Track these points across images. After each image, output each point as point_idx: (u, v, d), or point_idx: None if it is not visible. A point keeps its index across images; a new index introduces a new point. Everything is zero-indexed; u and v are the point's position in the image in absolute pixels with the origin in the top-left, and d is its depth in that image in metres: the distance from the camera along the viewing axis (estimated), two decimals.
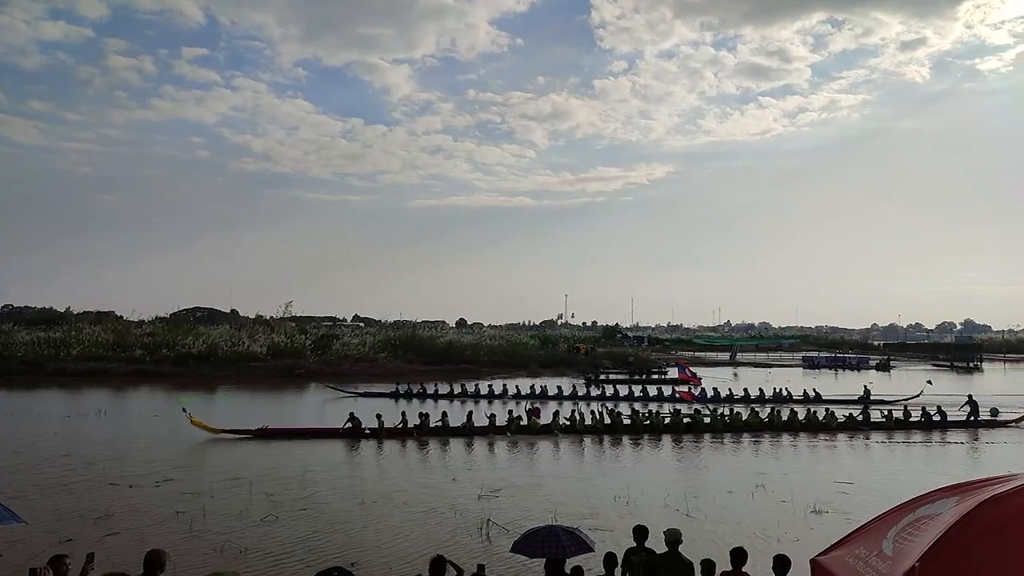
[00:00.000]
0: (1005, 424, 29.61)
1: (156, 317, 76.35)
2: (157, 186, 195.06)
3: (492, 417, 27.07)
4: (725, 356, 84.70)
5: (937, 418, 29.32)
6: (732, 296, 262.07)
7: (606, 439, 25.48)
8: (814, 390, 38.07)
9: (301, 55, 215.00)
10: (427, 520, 14.49)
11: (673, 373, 51.89)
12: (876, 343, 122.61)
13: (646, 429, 26.88)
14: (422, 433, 25.55)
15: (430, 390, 39.94)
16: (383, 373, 52.71)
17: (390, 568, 11.42)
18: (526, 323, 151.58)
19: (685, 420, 27.90)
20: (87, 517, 14.24)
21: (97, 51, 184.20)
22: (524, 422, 26.88)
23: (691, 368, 49.82)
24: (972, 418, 29.83)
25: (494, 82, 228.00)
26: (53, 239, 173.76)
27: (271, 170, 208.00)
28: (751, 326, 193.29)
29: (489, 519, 13.99)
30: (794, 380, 45.27)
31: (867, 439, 26.46)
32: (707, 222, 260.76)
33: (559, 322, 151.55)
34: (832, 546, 5.34)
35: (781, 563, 7.49)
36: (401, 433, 25.41)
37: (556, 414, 27.65)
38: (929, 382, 40.64)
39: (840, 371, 67.77)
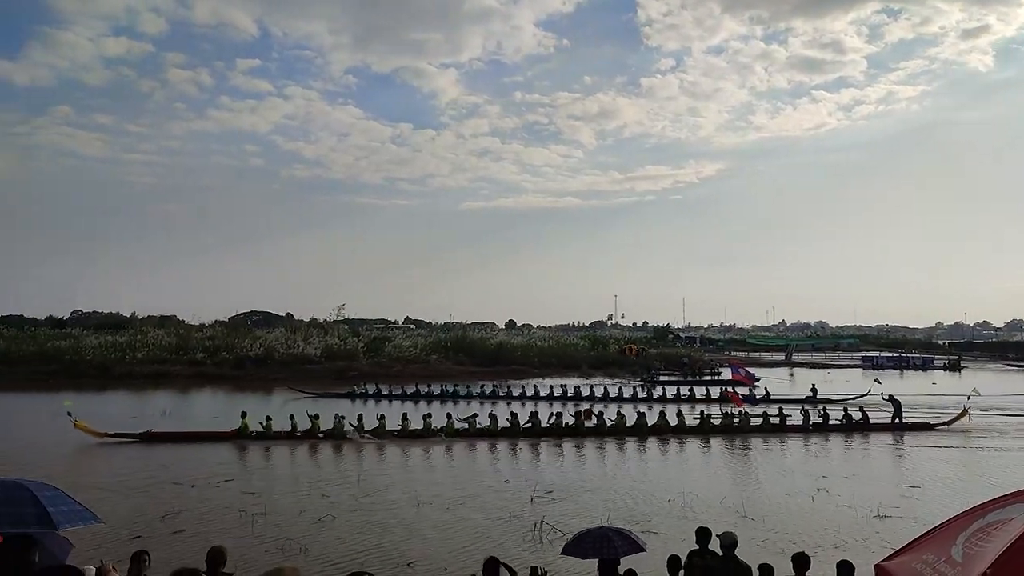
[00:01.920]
0: (933, 427, 28.10)
1: (215, 321, 78.76)
2: (214, 194, 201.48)
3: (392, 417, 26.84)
4: (780, 356, 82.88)
5: (860, 420, 28.08)
6: (787, 295, 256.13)
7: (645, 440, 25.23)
8: (765, 389, 37.85)
9: (351, 62, 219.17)
10: (481, 521, 14.58)
11: (727, 374, 51.03)
12: (941, 342, 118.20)
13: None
14: (309, 437, 25.00)
15: (384, 391, 40.77)
16: (434, 375, 53.21)
17: (445, 569, 11.53)
18: (576, 324, 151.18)
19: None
20: (154, 515, 14.77)
21: (157, 65, 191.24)
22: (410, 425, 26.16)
23: (745, 368, 48.91)
24: (896, 420, 28.51)
25: (541, 83, 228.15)
26: (119, 247, 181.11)
27: (323, 176, 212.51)
28: (807, 325, 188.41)
29: (543, 521, 14.00)
30: (854, 381, 44.02)
31: (782, 443, 25.28)
32: (760, 220, 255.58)
33: (609, 323, 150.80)
34: (898, 551, 5.20)
35: (845, 570, 7.29)
36: (288, 437, 25.05)
37: (448, 416, 26.92)
38: (877, 380, 39.18)
39: (904, 371, 65.56)
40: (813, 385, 39.00)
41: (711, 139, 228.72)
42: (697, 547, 8.16)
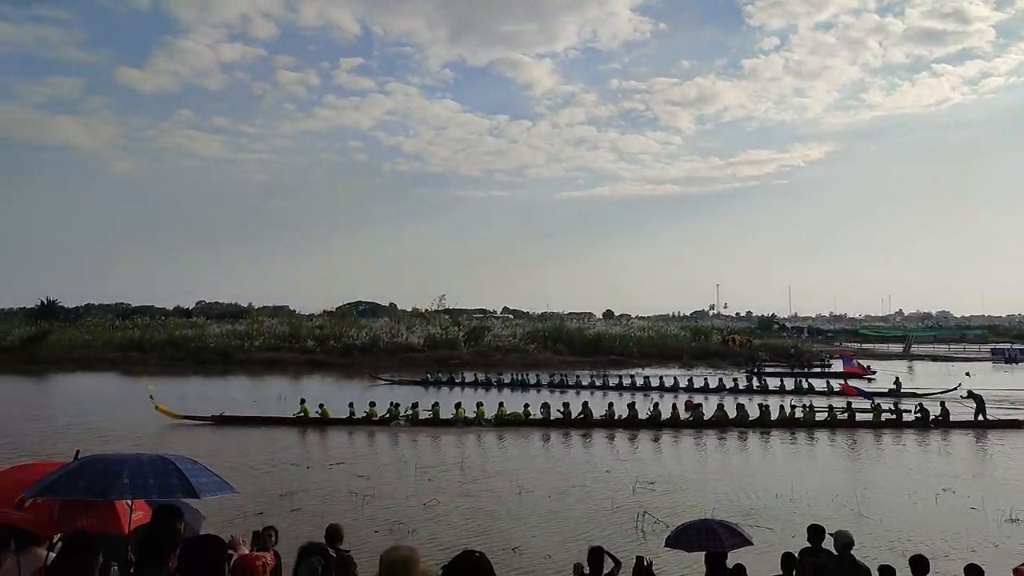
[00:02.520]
0: (1021, 425, 25.61)
1: (324, 311, 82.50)
2: (321, 190, 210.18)
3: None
4: (897, 348, 78.16)
5: (939, 416, 25.87)
6: (904, 283, 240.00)
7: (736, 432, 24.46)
8: (843, 380, 36.29)
9: (448, 57, 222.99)
10: (583, 511, 14.64)
11: (838, 366, 48.65)
12: None
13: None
14: (365, 423, 25.74)
15: (457, 379, 42.38)
16: (533, 364, 53.58)
17: (548, 556, 11.66)
18: (675, 314, 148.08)
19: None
20: (274, 494, 15.68)
21: (268, 68, 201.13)
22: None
23: (858, 360, 46.55)
24: (979, 417, 26.07)
25: (637, 69, 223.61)
26: (236, 241, 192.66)
27: (422, 170, 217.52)
28: (927, 315, 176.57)
29: (645, 512, 13.90)
30: (982, 374, 40.93)
31: (851, 439, 23.79)
32: (874, 203, 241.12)
33: (711, 312, 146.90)
34: None
35: (973, 574, 6.86)
36: (345, 422, 25.76)
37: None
38: (968, 374, 35.60)
39: None
40: (896, 378, 36.79)
41: (819, 120, 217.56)
42: (809, 545, 7.88)
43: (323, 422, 26.00)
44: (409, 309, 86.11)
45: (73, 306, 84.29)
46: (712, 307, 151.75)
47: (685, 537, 7.84)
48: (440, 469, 18.75)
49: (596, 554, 7.63)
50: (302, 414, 26.30)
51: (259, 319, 72.08)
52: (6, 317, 74.66)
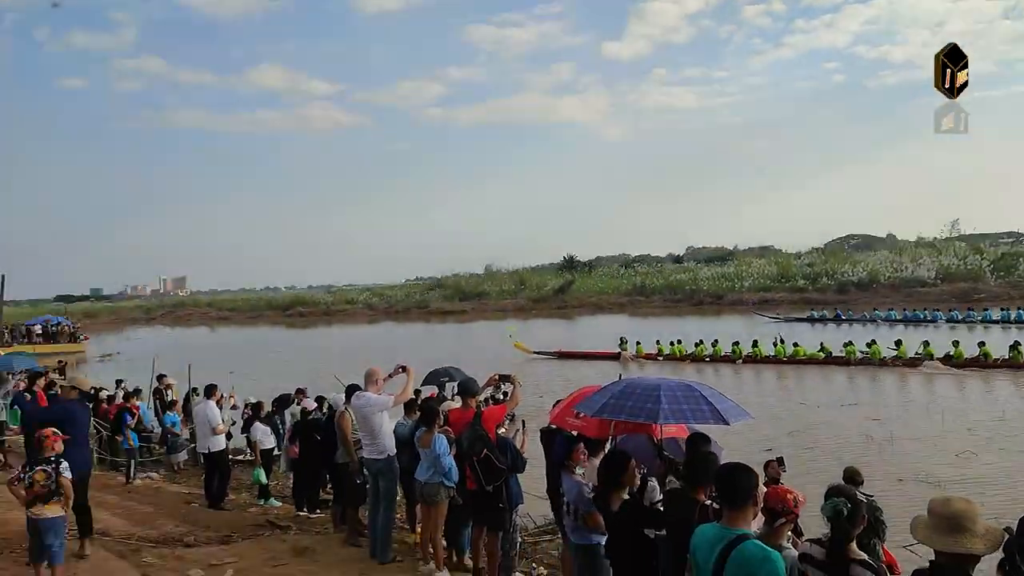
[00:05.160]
0: None
1: (812, 248, 78.68)
2: (797, 121, 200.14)
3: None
4: None
5: None
6: None
7: None
8: None
9: None
10: None
11: None
12: None
13: None
14: (674, 358, 27.25)
15: (843, 316, 40.39)
16: None
17: None
18: None
19: None
20: (782, 430, 15.74)
21: (731, 7, 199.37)
22: None
23: None
24: None
25: None
26: (716, 186, 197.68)
27: (916, 78, 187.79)
28: None
29: None
30: None
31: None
32: None
33: None
34: None
35: None
36: (648, 357, 27.75)
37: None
38: None
39: None
40: None
41: None
42: None
43: (630, 357, 27.85)
44: (912, 239, 76.12)
45: (587, 259, 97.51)
46: None
47: None
48: (976, 417, 16.33)
49: None
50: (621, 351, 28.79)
51: (747, 260, 73.01)
52: (539, 271, 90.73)
